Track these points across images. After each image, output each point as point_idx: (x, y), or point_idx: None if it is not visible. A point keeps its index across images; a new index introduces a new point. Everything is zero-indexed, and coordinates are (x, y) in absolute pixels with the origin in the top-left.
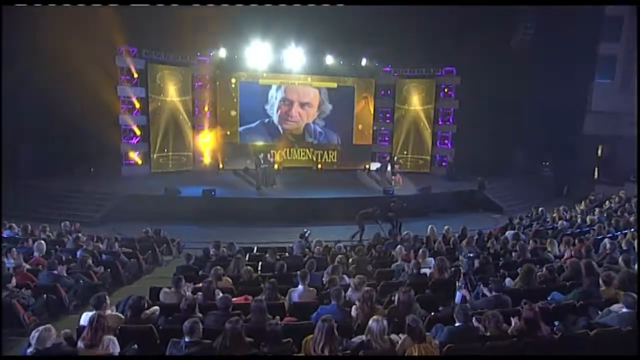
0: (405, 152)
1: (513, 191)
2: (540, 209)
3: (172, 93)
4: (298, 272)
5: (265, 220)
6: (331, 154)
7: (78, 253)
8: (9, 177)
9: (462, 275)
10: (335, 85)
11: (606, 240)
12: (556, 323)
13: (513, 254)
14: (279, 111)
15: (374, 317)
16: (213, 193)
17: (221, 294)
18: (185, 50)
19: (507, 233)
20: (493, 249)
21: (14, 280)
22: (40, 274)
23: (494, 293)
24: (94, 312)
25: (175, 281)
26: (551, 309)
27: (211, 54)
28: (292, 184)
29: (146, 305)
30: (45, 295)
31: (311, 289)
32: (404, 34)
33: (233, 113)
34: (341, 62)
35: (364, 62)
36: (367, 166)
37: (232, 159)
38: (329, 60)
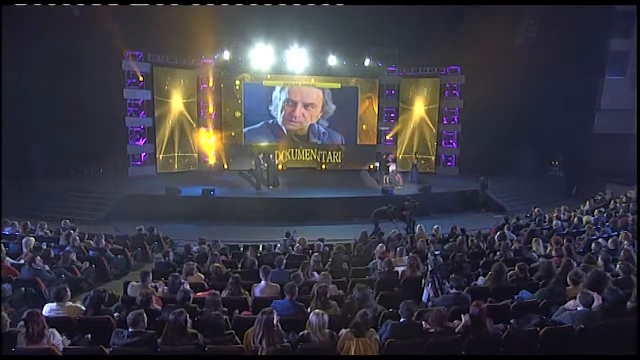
0: (410, 152)
1: (519, 191)
2: (537, 209)
3: (177, 96)
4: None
5: (262, 219)
6: (335, 154)
7: (67, 249)
8: (19, 177)
9: (428, 273)
10: (339, 86)
11: (600, 240)
12: (512, 321)
13: (498, 253)
14: (283, 112)
15: (316, 311)
16: (212, 193)
17: (181, 288)
18: (190, 54)
19: (498, 233)
20: (475, 248)
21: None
22: (23, 269)
23: (454, 291)
24: (54, 304)
25: (142, 275)
26: (512, 308)
27: (216, 56)
28: (293, 184)
29: (107, 298)
30: (24, 289)
31: (274, 284)
32: (408, 34)
33: (238, 114)
34: (344, 63)
35: (367, 62)
36: (372, 166)
37: (237, 160)
38: (332, 61)
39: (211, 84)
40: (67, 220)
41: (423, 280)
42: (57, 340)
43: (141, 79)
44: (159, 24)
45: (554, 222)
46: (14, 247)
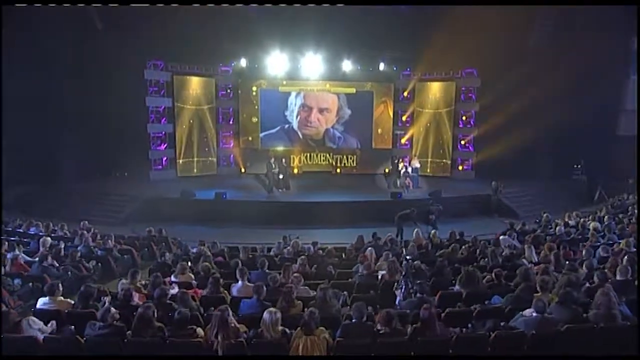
0: (425, 156)
1: (535, 196)
2: (545, 214)
3: (196, 102)
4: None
5: (271, 222)
6: (350, 158)
7: (78, 248)
8: (48, 180)
9: (401, 277)
10: (353, 90)
11: (600, 248)
12: (469, 325)
13: (486, 259)
14: (299, 117)
15: (269, 308)
16: (224, 196)
17: (161, 287)
18: (208, 62)
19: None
20: (468, 253)
21: (2, 269)
22: (33, 265)
23: (418, 295)
24: (47, 297)
25: (131, 273)
26: (475, 313)
27: (233, 64)
28: (305, 188)
29: (96, 293)
30: (31, 284)
31: (251, 284)
32: (422, 37)
33: (254, 120)
34: (359, 68)
35: (381, 66)
36: (387, 170)
37: (254, 164)
38: (347, 66)
39: (229, 91)
40: (86, 222)
41: (395, 284)
42: (36, 325)
43: (162, 87)
44: (178, 34)
45: (557, 228)
46: (34, 245)
